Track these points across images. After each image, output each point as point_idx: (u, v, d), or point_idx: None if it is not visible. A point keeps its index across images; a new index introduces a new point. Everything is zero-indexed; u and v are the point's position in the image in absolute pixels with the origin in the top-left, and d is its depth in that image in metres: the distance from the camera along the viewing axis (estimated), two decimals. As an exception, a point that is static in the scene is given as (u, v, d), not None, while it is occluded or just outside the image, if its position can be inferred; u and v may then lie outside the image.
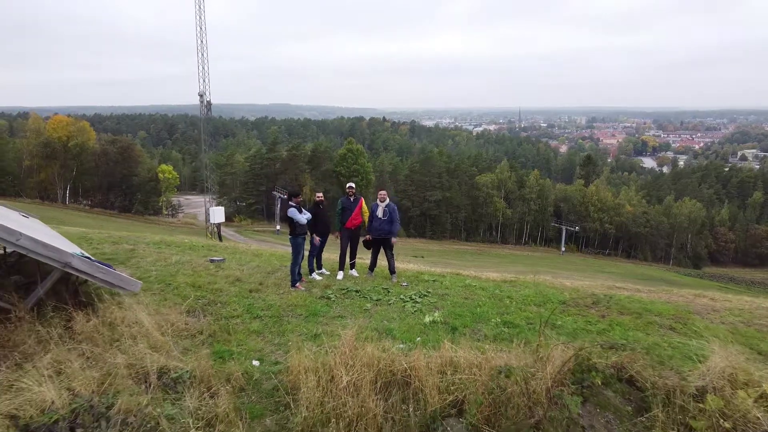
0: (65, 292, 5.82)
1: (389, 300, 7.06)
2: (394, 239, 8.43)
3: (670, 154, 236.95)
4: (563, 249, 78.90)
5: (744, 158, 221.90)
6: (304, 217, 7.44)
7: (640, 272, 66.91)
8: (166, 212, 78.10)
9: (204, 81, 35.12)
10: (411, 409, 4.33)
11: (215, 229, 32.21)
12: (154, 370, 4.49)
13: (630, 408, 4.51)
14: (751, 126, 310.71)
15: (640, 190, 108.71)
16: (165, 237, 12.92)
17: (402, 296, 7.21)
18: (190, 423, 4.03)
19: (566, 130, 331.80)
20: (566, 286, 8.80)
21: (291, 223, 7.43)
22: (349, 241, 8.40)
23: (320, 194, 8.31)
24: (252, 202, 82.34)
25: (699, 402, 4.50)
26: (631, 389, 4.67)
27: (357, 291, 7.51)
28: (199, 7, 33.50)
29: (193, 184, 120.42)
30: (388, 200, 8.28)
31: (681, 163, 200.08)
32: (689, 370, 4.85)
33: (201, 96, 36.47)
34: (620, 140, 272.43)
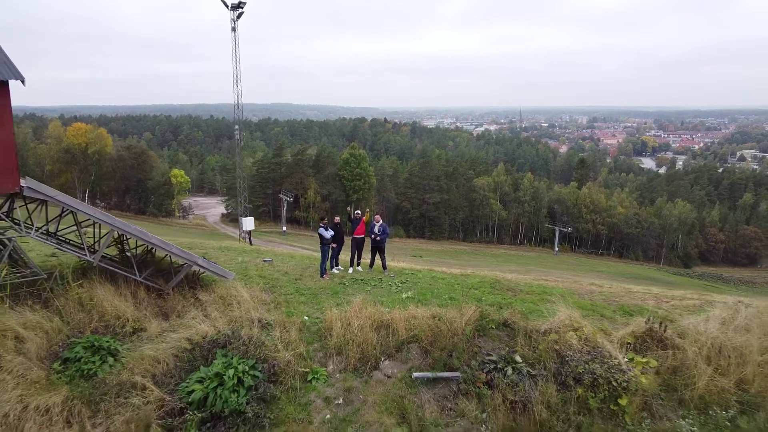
0: (191, 278, 9.76)
1: (382, 285, 10.98)
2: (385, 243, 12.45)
3: (669, 155, 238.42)
4: (556, 249, 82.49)
5: (743, 159, 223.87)
6: (328, 234, 11.38)
7: (630, 271, 70.38)
8: (178, 214, 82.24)
9: (239, 116, 39.22)
10: (390, 338, 8.28)
11: (247, 235, 37.02)
12: (256, 318, 8.47)
13: (507, 339, 8.45)
14: (752, 126, 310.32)
15: (635, 192, 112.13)
16: (220, 243, 16.92)
17: (390, 283, 11.13)
18: (278, 343, 7.98)
19: (567, 130, 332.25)
20: (507, 278, 12.69)
21: (321, 237, 11.40)
22: (356, 248, 12.30)
23: (338, 218, 12.21)
24: (259, 205, 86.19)
25: (545, 336, 8.44)
26: (510, 330, 8.60)
27: (362, 280, 11.44)
28: (235, 59, 37.55)
29: (200, 186, 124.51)
30: (381, 221, 12.28)
31: (680, 163, 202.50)
32: (544, 321, 8.77)
33: (237, 127, 41.11)
34: (620, 140, 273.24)
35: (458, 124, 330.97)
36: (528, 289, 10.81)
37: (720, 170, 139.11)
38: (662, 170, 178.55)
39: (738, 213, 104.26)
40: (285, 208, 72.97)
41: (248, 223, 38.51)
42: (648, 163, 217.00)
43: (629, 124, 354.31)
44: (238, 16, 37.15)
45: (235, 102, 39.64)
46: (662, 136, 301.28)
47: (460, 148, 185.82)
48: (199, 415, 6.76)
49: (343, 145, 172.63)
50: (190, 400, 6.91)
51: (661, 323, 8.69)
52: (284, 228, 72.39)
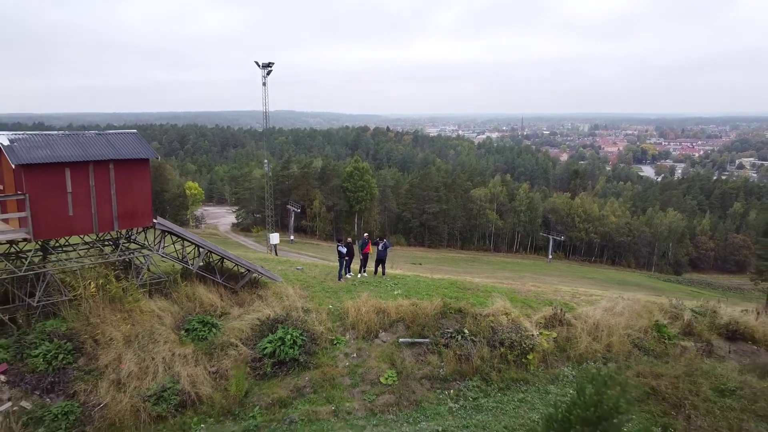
0: (252, 280, 14.43)
1: (381, 286, 15.61)
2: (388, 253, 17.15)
3: (668, 162, 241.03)
4: (550, 257, 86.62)
5: (741, 167, 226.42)
6: (344, 250, 16.06)
7: (620, 278, 74.33)
8: (192, 224, 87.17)
9: (267, 151, 44.99)
10: (385, 318, 12.93)
11: (273, 247, 42.72)
12: (299, 306, 13.16)
13: (460, 319, 13.08)
14: (753, 133, 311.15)
15: (629, 201, 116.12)
16: (258, 255, 21.61)
17: (386, 284, 15.76)
18: (315, 321, 12.66)
19: (568, 138, 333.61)
20: (474, 281, 17.31)
21: (339, 252, 16.09)
22: (363, 261, 16.92)
23: (350, 239, 16.86)
24: (268, 215, 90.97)
25: (485, 318, 13.08)
26: (462, 314, 13.23)
27: (367, 282, 16.06)
28: (265, 107, 43.31)
29: (210, 196, 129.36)
30: (386, 240, 16.97)
31: (678, 171, 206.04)
32: (486, 309, 13.37)
33: (266, 161, 47.17)
34: (621, 148, 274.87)
35: (460, 131, 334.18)
36: (482, 288, 15.46)
37: (714, 179, 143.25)
38: (660, 178, 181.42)
39: (728, 222, 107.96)
40: (293, 218, 77.65)
41: (274, 238, 45.35)
42: (647, 171, 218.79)
43: (630, 132, 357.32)
44: (268, 73, 43.13)
45: (265, 139, 45.11)
46: (663, 143, 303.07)
47: (461, 156, 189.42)
48: (271, 360, 11.42)
49: (346, 154, 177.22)
50: (264, 353, 11.57)
51: (561, 310, 13.31)
52: (292, 237, 76.96)
